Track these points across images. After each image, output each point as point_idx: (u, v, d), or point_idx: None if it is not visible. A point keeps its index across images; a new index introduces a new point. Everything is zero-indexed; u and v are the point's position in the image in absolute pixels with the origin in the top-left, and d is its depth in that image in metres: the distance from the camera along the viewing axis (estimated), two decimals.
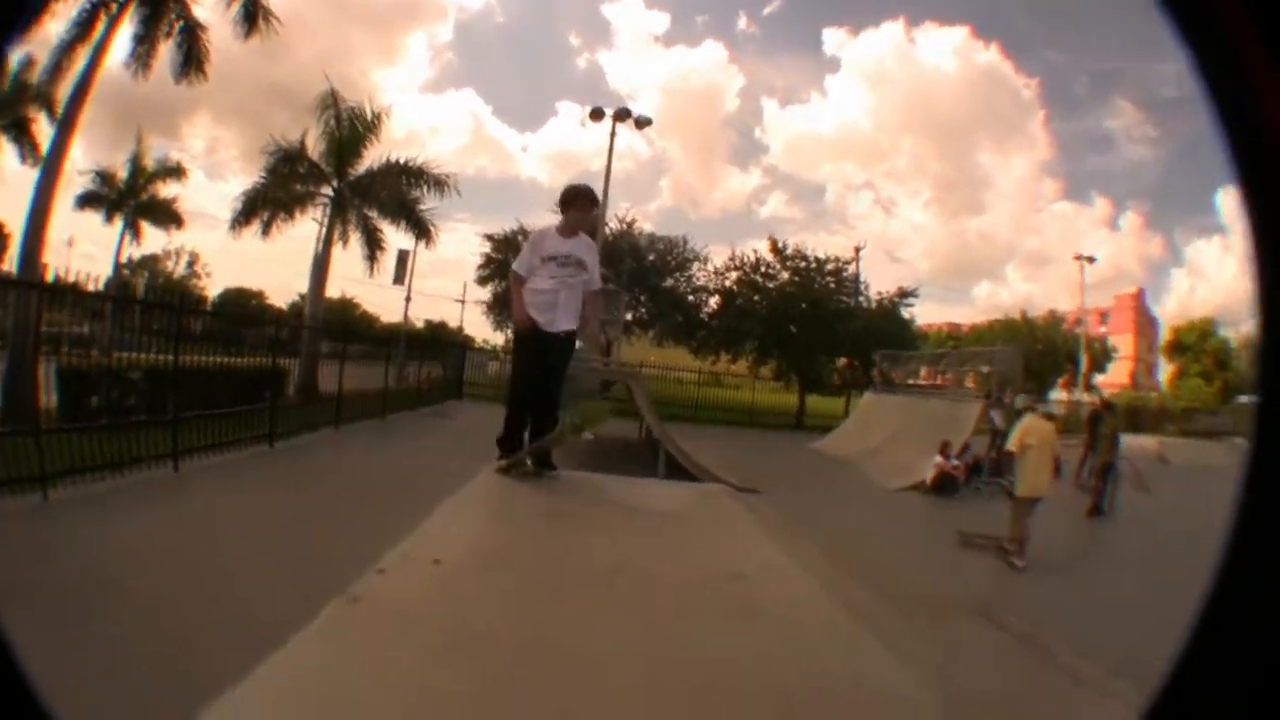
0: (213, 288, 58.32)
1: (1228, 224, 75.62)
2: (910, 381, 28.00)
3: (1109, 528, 14.43)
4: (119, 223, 38.90)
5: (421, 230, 28.61)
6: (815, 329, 33.79)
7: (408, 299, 35.17)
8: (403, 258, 32.59)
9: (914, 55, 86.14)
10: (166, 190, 39.88)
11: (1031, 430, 10.85)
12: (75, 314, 13.67)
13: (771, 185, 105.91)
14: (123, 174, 38.20)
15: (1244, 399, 45.86)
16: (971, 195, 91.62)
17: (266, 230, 26.59)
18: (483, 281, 37.36)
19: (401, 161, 27.53)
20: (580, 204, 5.64)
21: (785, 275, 35.74)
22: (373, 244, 27.44)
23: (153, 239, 46.00)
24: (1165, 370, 60.79)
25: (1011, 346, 27.71)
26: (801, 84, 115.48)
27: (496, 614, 2.92)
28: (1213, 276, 76.95)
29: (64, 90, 19.01)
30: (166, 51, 20.00)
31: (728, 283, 36.44)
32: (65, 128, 18.13)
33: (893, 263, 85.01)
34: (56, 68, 18.90)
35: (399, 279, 33.56)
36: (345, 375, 19.91)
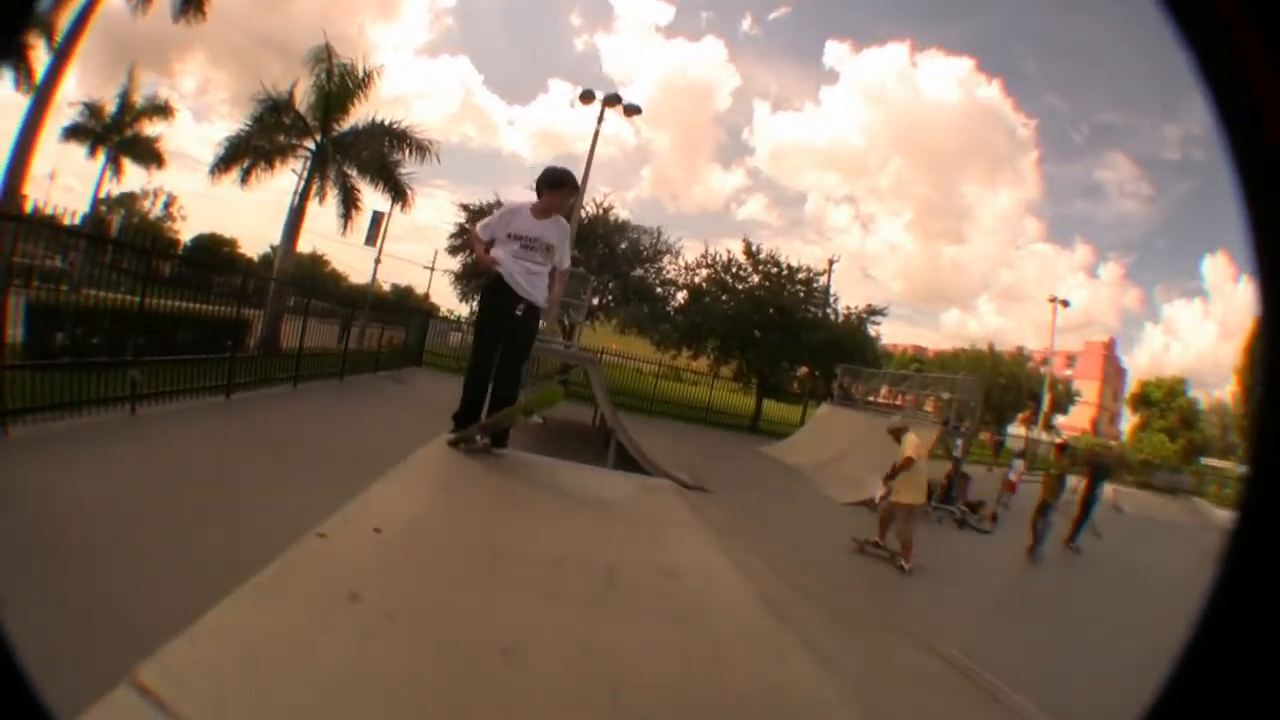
0: (187, 231, 59.13)
1: (1211, 290, 77.50)
2: (870, 398, 28.33)
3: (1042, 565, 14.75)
4: (101, 157, 38.75)
5: (398, 193, 28.52)
6: (780, 335, 34.04)
7: (377, 261, 34.81)
8: (376, 219, 32.17)
9: (915, 79, 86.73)
10: (152, 128, 40.02)
11: (922, 445, 11.91)
12: (49, 248, 13.39)
13: (753, 188, 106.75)
14: (111, 108, 38.10)
15: (1208, 461, 47.29)
16: (953, 224, 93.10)
17: (246, 178, 26.46)
18: (454, 251, 37.08)
19: (386, 123, 27.55)
20: (561, 189, 5.60)
21: (756, 279, 36.02)
22: (349, 202, 27.43)
23: (134, 177, 45.82)
24: (1128, 421, 62.15)
25: (975, 376, 28.14)
26: (797, 92, 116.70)
27: (432, 589, 2.94)
28: (1188, 338, 79.29)
29: (65, 19, 19.05)
30: None
31: (697, 279, 36.64)
32: (61, 57, 18.42)
33: (865, 279, 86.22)
34: None
35: (370, 240, 33.10)
36: (308, 333, 19.78)
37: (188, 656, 2.00)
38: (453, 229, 36.78)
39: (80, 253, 13.97)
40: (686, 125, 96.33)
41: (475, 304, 11.55)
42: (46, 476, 8.05)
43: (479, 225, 5.73)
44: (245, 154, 26.35)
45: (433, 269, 49.40)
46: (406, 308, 39.98)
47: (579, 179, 5.73)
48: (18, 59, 27.91)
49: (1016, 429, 51.26)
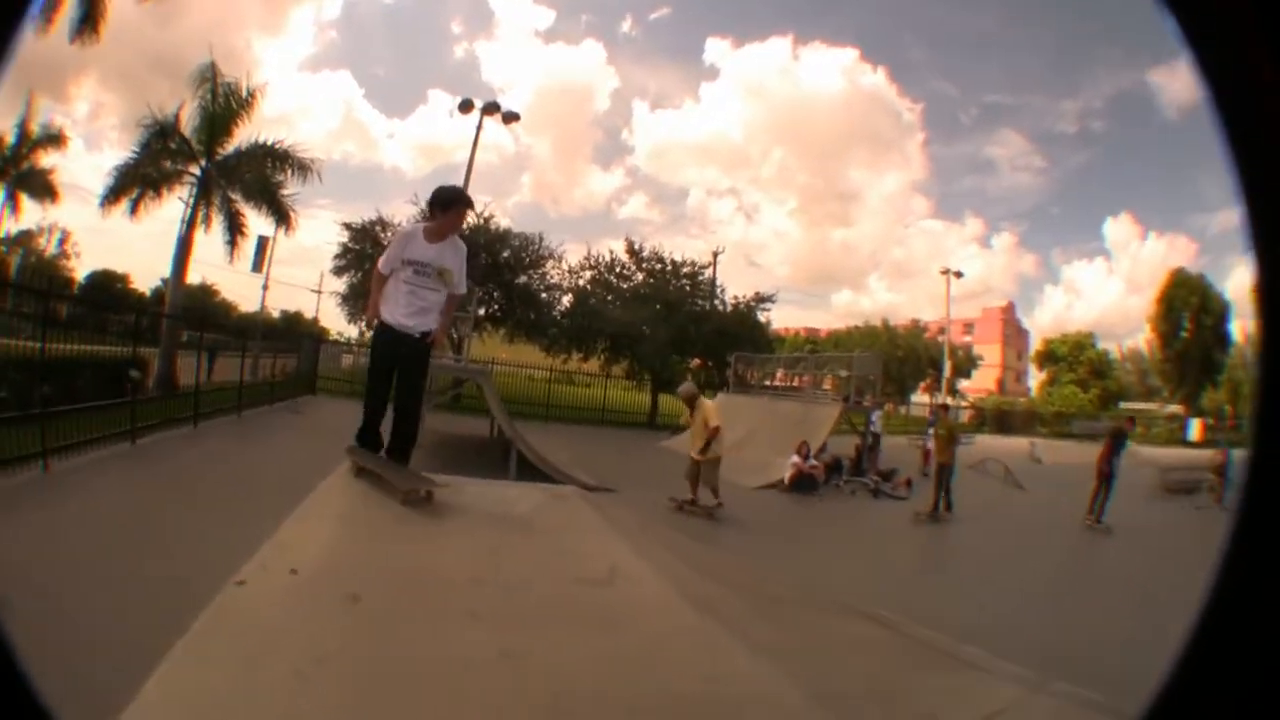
0: (81, 269, 55.11)
1: (1114, 250, 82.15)
2: (766, 383, 28.80)
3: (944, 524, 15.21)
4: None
5: (282, 216, 27.90)
6: (668, 330, 34.30)
7: (265, 287, 34.48)
8: (262, 243, 31.50)
9: (797, 72, 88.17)
10: (46, 159, 37.78)
11: (718, 411, 12.97)
12: None
13: (633, 186, 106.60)
14: (10, 139, 36.08)
15: (1127, 405, 50.24)
16: (839, 208, 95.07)
17: (135, 209, 25.64)
18: (339, 272, 36.09)
19: (269, 143, 26.95)
20: (453, 208, 5.49)
21: (640, 276, 36.30)
22: (234, 228, 26.77)
23: (30, 213, 43.04)
24: (1036, 378, 64.82)
25: (872, 352, 28.83)
26: (676, 90, 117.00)
27: (354, 628, 2.94)
28: (1092, 296, 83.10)
29: None
30: (68, 7, 19.47)
31: (582, 281, 36.62)
32: None
33: (750, 267, 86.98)
34: None
35: (257, 266, 32.61)
36: (204, 367, 19.51)
37: None
38: (337, 249, 35.98)
39: None
40: (566, 129, 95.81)
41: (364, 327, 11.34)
42: None
43: (380, 261, 5.60)
44: (134, 183, 25.56)
45: (320, 291, 47.91)
46: (297, 334, 38.97)
47: (462, 190, 5.61)
48: None
49: (920, 396, 53.18)
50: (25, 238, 53.87)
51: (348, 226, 35.43)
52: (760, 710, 2.65)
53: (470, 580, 3.59)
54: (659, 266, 36.43)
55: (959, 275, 48.37)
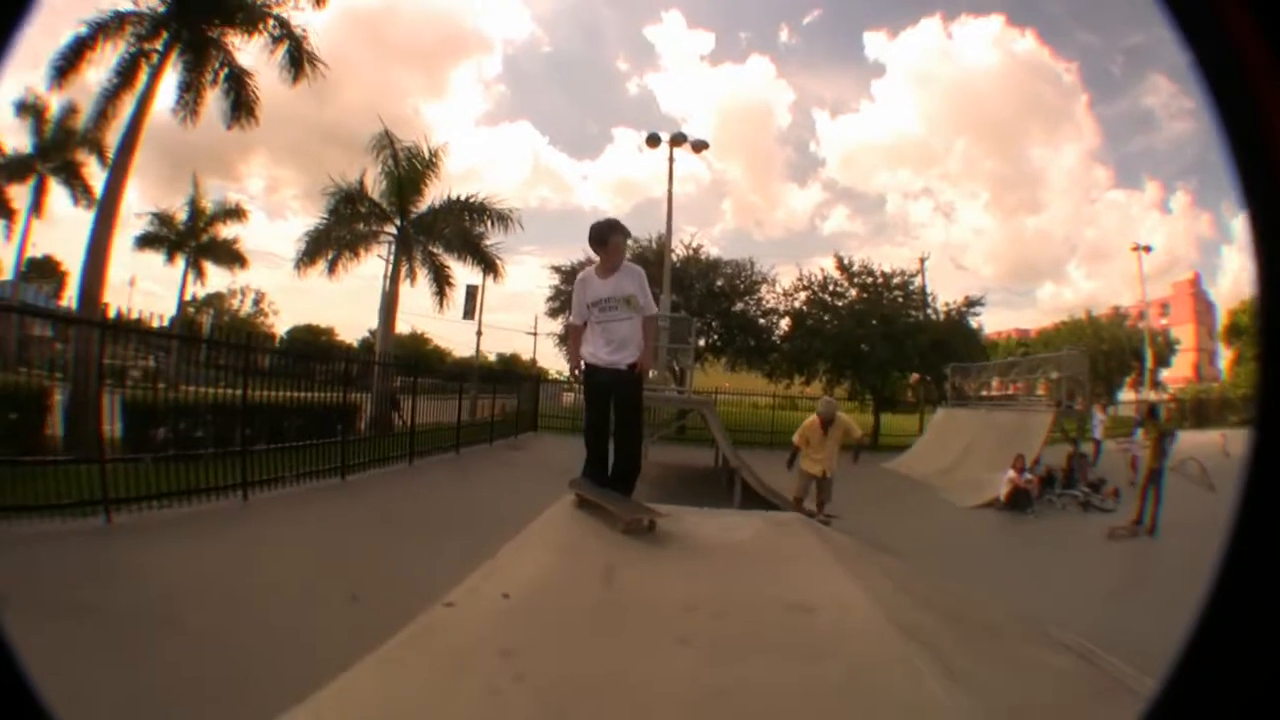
0: (281, 325, 60.24)
1: None
2: (983, 393, 27.49)
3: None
4: (180, 263, 39.04)
5: (488, 265, 28.72)
6: (886, 346, 33.11)
7: (479, 333, 35.55)
8: (471, 293, 32.90)
9: (954, 51, 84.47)
10: (227, 231, 39.77)
11: (806, 428, 12.54)
12: (140, 349, 14.06)
13: (832, 200, 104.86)
14: (182, 216, 38.27)
15: None
16: (1028, 193, 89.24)
17: (332, 268, 26.96)
18: (553, 314, 37.72)
19: (463, 198, 27.82)
20: (609, 242, 5.48)
21: (854, 292, 35.32)
22: (440, 280, 27.65)
23: (218, 278, 45.77)
24: (1224, 357, 55.86)
25: (1078, 349, 26.82)
26: (850, 93, 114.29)
27: (563, 651, 2.92)
28: None
29: (113, 136, 19.59)
30: (214, 98, 20.34)
31: (797, 303, 36.20)
32: (118, 172, 18.66)
33: (957, 270, 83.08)
34: (102, 115, 19.50)
35: (468, 314, 33.89)
36: (420, 409, 20.05)
37: None
38: (549, 292, 37.39)
39: (172, 352, 14.68)
40: (754, 149, 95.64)
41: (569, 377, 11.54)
42: (160, 558, 8.46)
43: (571, 315, 5.81)
44: (328, 246, 26.73)
45: (535, 334, 49.98)
46: (514, 375, 40.03)
47: (614, 220, 5.77)
48: (69, 176, 29.49)
49: (1127, 393, 48.13)
50: (215, 299, 59.47)
51: (557, 270, 37.02)
52: None
53: (682, 607, 3.52)
54: (870, 280, 35.49)
55: (1148, 250, 45.74)
